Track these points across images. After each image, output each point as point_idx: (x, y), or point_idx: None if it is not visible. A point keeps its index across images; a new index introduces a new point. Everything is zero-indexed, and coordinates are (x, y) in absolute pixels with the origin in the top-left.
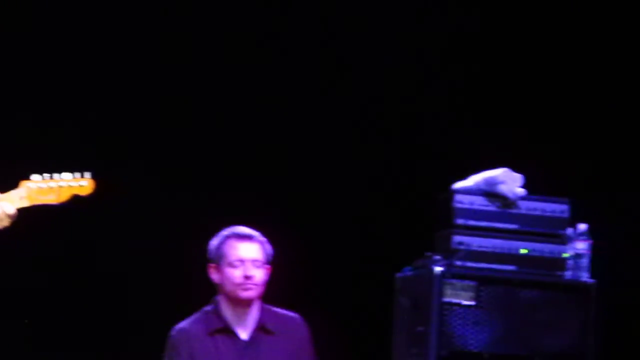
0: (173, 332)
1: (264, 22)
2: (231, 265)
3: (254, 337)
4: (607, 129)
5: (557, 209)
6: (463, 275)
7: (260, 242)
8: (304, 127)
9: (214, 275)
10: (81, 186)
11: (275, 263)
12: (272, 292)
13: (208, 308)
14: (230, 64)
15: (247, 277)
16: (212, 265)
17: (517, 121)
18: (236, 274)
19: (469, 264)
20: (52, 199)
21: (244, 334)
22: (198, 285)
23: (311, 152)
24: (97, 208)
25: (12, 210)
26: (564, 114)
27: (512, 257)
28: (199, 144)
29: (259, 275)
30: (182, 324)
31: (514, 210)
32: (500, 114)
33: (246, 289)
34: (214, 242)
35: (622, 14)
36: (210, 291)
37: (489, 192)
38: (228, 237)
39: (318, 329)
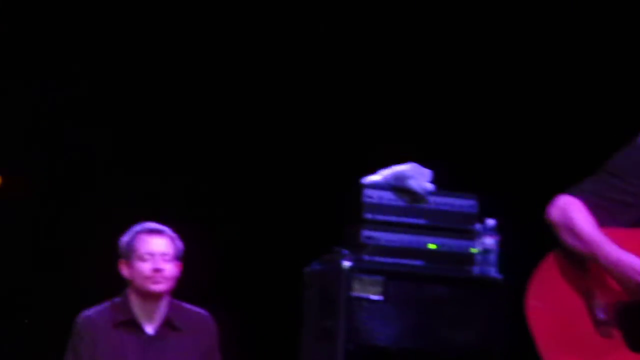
0: (79, 319)
1: None
2: (141, 258)
3: (160, 332)
4: (514, 124)
5: (465, 204)
6: (371, 270)
7: (170, 237)
8: (207, 121)
9: (125, 271)
10: None
11: (184, 259)
12: (181, 289)
13: (117, 300)
14: None
15: (156, 270)
16: (123, 260)
17: (425, 116)
18: (146, 267)
19: (377, 259)
20: None
21: (150, 329)
22: (104, 283)
23: (218, 147)
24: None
25: None
26: (470, 110)
27: (420, 252)
28: (103, 141)
29: (169, 269)
30: (89, 312)
31: (423, 206)
32: (407, 110)
33: (156, 282)
34: (124, 238)
35: None
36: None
37: (397, 186)
38: (138, 232)
39: (226, 326)
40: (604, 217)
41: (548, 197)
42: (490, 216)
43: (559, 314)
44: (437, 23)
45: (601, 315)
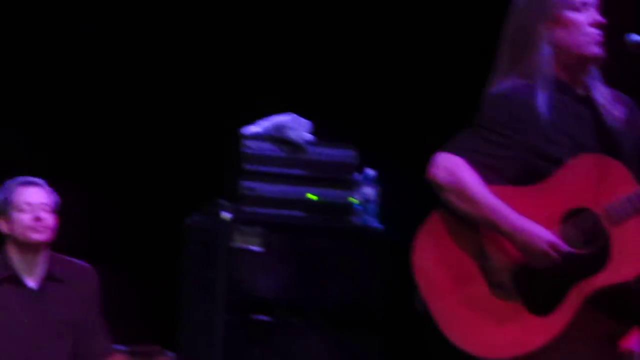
0: None
1: None
2: (20, 209)
3: (42, 286)
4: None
5: (345, 155)
6: (251, 221)
7: (47, 188)
8: (83, 69)
9: (3, 227)
10: None
11: (61, 213)
12: (60, 243)
13: None
14: None
15: (37, 219)
16: (0, 217)
17: (305, 67)
18: (25, 217)
19: (258, 210)
20: None
21: (32, 283)
22: None
23: (92, 98)
24: None
25: None
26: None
27: (300, 203)
28: None
29: (49, 218)
30: None
31: (302, 156)
32: (286, 60)
33: (37, 231)
34: None
35: None
36: None
37: (277, 137)
38: (14, 185)
39: (107, 279)
40: (488, 174)
41: (426, 148)
42: (371, 167)
43: (450, 276)
44: None
45: (496, 277)
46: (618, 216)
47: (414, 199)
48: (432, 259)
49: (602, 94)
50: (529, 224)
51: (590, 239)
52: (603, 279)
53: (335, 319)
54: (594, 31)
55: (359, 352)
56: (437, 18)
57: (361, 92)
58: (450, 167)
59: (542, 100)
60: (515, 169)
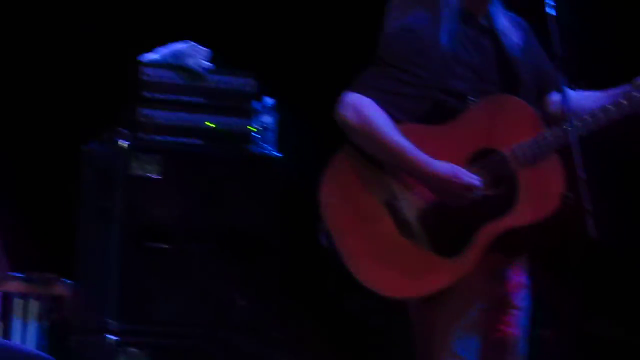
0: None
1: None
2: None
3: None
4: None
5: (243, 83)
6: (149, 148)
7: None
8: None
9: None
10: None
11: None
12: None
13: None
14: None
15: None
16: None
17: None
18: None
19: (156, 138)
20: None
21: None
22: None
23: None
24: None
25: None
26: None
27: (198, 131)
28: None
29: None
30: None
31: (201, 84)
32: None
33: None
34: None
35: None
36: None
37: (175, 65)
38: None
39: (4, 205)
40: (396, 113)
41: (323, 77)
42: (269, 95)
43: (357, 213)
44: None
45: (404, 215)
46: (525, 158)
47: (312, 127)
48: (340, 196)
49: (503, 23)
50: (438, 163)
51: (497, 180)
52: (510, 221)
53: (233, 246)
54: None
55: (256, 279)
56: None
57: (260, 20)
58: (358, 108)
59: (446, 33)
60: (422, 105)
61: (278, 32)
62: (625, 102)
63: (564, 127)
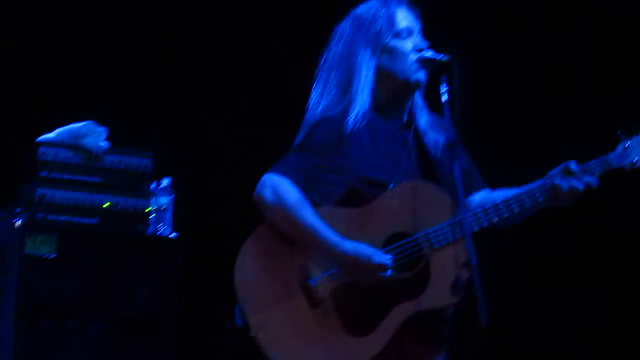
0: None
1: None
2: None
3: None
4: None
5: (140, 162)
6: (45, 227)
7: None
8: None
9: None
10: None
11: None
12: None
13: None
14: None
15: None
16: None
17: (102, 75)
18: None
19: (52, 217)
20: None
21: None
22: None
23: None
24: None
25: None
26: (137, 67)
27: (95, 210)
28: None
29: None
30: None
31: (97, 164)
32: (84, 67)
33: None
34: None
35: None
36: None
37: (73, 144)
38: None
39: None
40: (314, 196)
41: (223, 154)
42: (166, 175)
43: (271, 291)
44: None
45: (318, 295)
46: (438, 241)
47: (209, 206)
48: (255, 274)
49: (425, 121)
50: (353, 245)
51: (411, 263)
52: (420, 303)
53: (127, 326)
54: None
55: (150, 358)
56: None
57: (158, 100)
58: (276, 188)
59: (365, 125)
60: (340, 191)
61: (176, 113)
62: (525, 196)
63: (461, 217)
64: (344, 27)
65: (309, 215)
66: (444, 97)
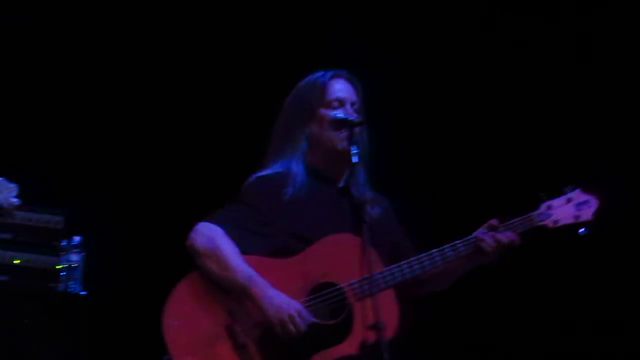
0: None
1: None
2: None
3: None
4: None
5: (51, 220)
6: None
7: None
8: None
9: None
10: None
11: None
12: None
13: None
14: None
15: None
16: None
17: (12, 130)
18: None
19: None
20: None
21: None
22: None
23: None
24: None
25: None
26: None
27: (5, 267)
28: None
29: None
30: None
31: (9, 220)
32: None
33: None
34: None
35: None
36: None
37: None
38: None
39: None
40: (245, 246)
41: (132, 213)
42: (77, 232)
43: (198, 334)
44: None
45: (242, 339)
46: (362, 292)
47: (119, 263)
48: (183, 318)
49: (362, 192)
50: (277, 293)
51: (334, 311)
52: (341, 350)
53: None
54: (340, 131)
55: None
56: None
57: (70, 157)
58: (209, 234)
59: (298, 187)
60: (270, 243)
61: (87, 170)
62: (447, 249)
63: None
64: (288, 98)
65: (238, 262)
66: (355, 159)
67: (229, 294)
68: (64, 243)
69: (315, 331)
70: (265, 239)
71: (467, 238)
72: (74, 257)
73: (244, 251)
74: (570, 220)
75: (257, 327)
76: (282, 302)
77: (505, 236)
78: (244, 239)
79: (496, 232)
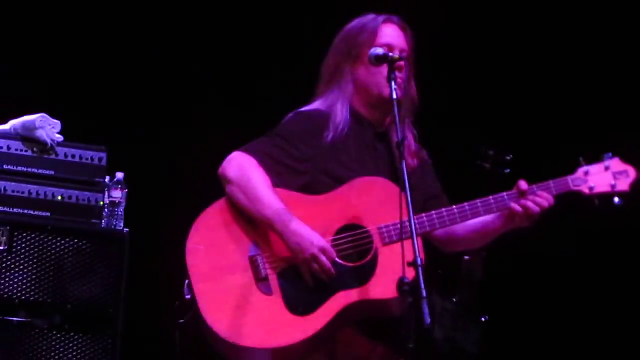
0: None
1: None
2: None
3: None
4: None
5: (93, 156)
6: None
7: None
8: None
9: None
10: None
11: None
12: None
13: None
14: None
15: None
16: None
17: (56, 66)
18: None
19: (3, 209)
20: None
21: None
22: None
23: None
24: None
25: None
26: (98, 64)
27: (47, 203)
28: None
29: None
30: None
31: (51, 156)
32: (36, 59)
33: None
34: None
35: None
36: None
37: (26, 136)
38: None
39: None
40: (277, 179)
41: (171, 154)
42: (119, 169)
43: (220, 262)
44: None
45: (264, 271)
46: (389, 237)
47: (161, 202)
48: (207, 243)
49: (405, 140)
50: (304, 228)
51: (360, 253)
52: (360, 293)
53: (78, 320)
54: (380, 68)
55: (99, 354)
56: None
57: (111, 94)
58: (242, 164)
59: (339, 127)
60: (302, 179)
61: (129, 109)
62: (480, 204)
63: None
64: (336, 39)
65: (267, 194)
66: (393, 95)
67: (256, 225)
68: (106, 179)
69: (337, 271)
70: (297, 174)
71: (501, 194)
72: (117, 194)
73: (276, 184)
74: (606, 189)
75: (281, 260)
76: (306, 236)
77: (535, 200)
78: (277, 171)
79: (526, 195)
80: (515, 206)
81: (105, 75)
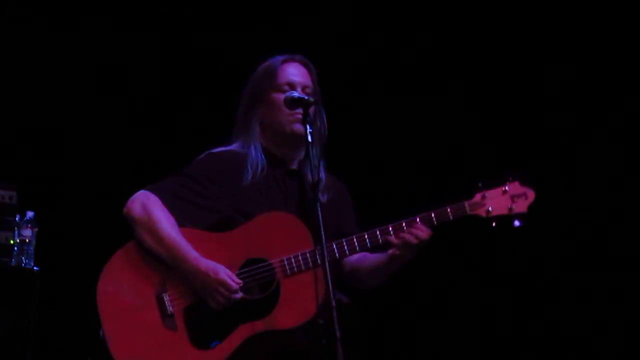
0: None
1: None
2: None
3: None
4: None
5: (4, 195)
6: None
7: None
8: None
9: None
10: None
11: None
12: None
13: None
14: None
15: None
16: None
17: None
18: None
19: None
20: None
21: None
22: None
23: None
24: None
25: None
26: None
27: None
28: None
29: None
30: None
31: None
32: None
33: None
34: None
35: None
36: None
37: None
38: None
39: None
40: (182, 218)
41: (86, 191)
42: (30, 208)
43: (128, 301)
44: None
45: (169, 308)
46: (290, 269)
47: (72, 239)
48: (116, 284)
49: (314, 174)
50: (207, 263)
51: (263, 286)
52: (264, 324)
53: None
54: (294, 110)
55: None
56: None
57: (22, 132)
58: (145, 204)
59: (258, 168)
60: (214, 218)
61: (40, 147)
62: (379, 232)
63: (317, 250)
64: (246, 84)
65: (171, 232)
66: (308, 138)
67: (163, 264)
68: (17, 218)
69: (241, 304)
70: (207, 212)
71: (383, 227)
72: (27, 232)
73: (181, 223)
74: (503, 211)
75: (187, 296)
76: (211, 270)
77: (409, 234)
78: (184, 210)
79: (406, 227)
80: (393, 238)
81: (17, 113)
